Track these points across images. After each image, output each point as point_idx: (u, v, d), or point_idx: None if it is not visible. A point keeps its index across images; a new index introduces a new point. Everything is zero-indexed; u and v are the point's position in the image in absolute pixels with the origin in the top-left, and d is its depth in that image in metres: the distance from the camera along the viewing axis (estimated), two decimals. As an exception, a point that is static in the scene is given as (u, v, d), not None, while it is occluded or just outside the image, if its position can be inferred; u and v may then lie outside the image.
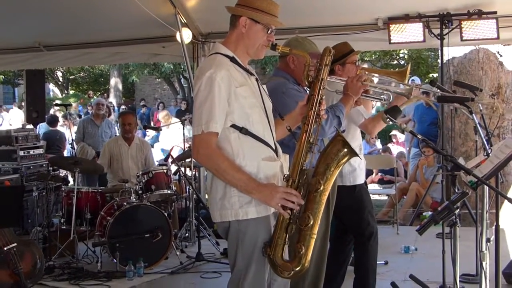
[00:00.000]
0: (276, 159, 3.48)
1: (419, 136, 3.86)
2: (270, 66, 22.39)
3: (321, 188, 3.31)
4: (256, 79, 3.59)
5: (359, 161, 5.16)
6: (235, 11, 3.51)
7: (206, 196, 9.53)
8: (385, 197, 11.26)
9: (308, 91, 3.59)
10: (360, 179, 5.32)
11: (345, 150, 3.33)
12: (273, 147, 3.49)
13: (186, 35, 8.58)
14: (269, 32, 3.49)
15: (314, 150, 3.39)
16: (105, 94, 28.60)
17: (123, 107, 24.68)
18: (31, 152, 9.20)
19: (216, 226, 8.36)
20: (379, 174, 12.17)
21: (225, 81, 3.30)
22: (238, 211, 3.35)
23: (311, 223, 3.30)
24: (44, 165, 9.29)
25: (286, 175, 3.39)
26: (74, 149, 9.42)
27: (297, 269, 3.33)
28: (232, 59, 3.45)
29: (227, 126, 3.34)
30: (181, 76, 27.74)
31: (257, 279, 3.41)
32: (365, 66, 24.64)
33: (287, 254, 3.43)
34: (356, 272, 5.41)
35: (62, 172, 9.07)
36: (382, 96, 4.73)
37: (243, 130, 3.35)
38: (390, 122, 3.99)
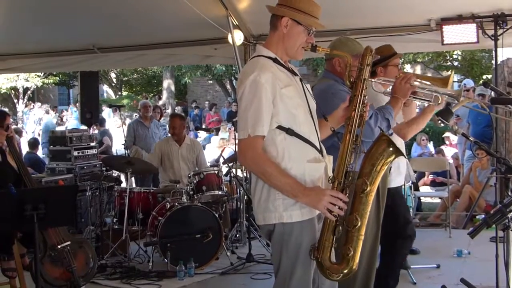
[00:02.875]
0: (321, 160, 3.47)
1: (471, 139, 3.81)
2: (322, 68, 22.30)
3: (368, 189, 3.28)
4: (300, 79, 3.58)
5: (396, 164, 5.11)
6: (277, 11, 3.49)
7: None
8: (437, 200, 11.11)
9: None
10: (396, 182, 5.28)
11: (390, 149, 3.30)
12: (318, 148, 3.47)
13: (237, 37, 8.60)
14: (309, 34, 3.47)
15: (359, 151, 3.37)
16: (158, 96, 28.86)
17: (177, 108, 24.87)
18: (85, 152, 9.35)
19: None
20: (431, 176, 12.02)
21: (269, 83, 3.29)
22: (283, 214, 3.33)
23: (359, 224, 3.27)
24: (97, 165, 9.44)
25: (331, 177, 3.36)
26: (126, 149, 9.53)
27: (346, 271, 3.30)
28: (275, 60, 3.44)
29: (273, 128, 3.33)
30: (233, 78, 27.82)
31: (302, 282, 3.39)
32: (418, 67, 24.41)
33: (335, 256, 3.40)
34: (379, 271, 5.37)
35: (115, 173, 9.20)
36: (430, 98, 4.67)
37: (290, 131, 3.34)
38: (442, 124, 3.94)
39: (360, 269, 4.40)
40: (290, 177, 3.29)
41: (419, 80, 4.60)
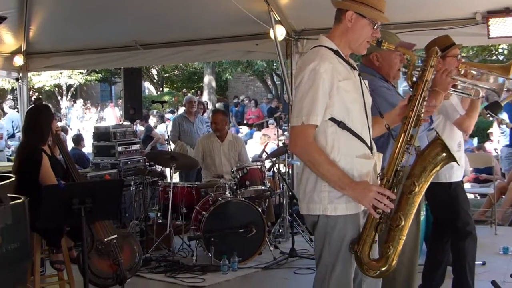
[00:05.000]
0: (371, 157, 3.45)
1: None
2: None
3: (416, 190, 3.28)
4: (359, 74, 3.55)
5: (458, 157, 5.06)
6: (341, 5, 3.46)
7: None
8: (480, 196, 10.96)
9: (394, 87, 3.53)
10: (457, 176, 5.21)
11: (444, 154, 3.29)
12: (369, 145, 3.45)
13: (279, 32, 8.58)
14: (375, 27, 3.44)
15: (411, 151, 3.34)
16: (199, 92, 28.97)
17: (218, 104, 24.94)
18: (129, 147, 9.45)
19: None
20: (474, 173, 11.84)
21: (328, 74, 3.28)
22: (327, 206, 3.33)
23: (402, 224, 3.27)
24: (141, 161, 9.53)
25: (380, 174, 3.35)
26: (169, 144, 9.59)
27: (384, 269, 3.30)
28: (336, 53, 3.42)
29: (326, 119, 3.32)
30: (274, 74, 27.80)
31: (343, 276, 3.38)
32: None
33: (375, 253, 3.39)
34: (454, 272, 5.32)
35: (159, 168, 9.28)
36: (471, 91, 4.61)
37: (341, 124, 3.33)
38: (491, 118, 3.89)
39: (402, 268, 4.37)
40: (338, 168, 3.28)
41: (474, 68, 4.54)
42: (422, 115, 3.40)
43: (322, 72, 3.27)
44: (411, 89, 3.51)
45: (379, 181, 3.34)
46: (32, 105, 6.60)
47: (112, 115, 21.78)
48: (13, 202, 3.80)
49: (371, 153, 3.47)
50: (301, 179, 3.46)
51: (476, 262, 5.46)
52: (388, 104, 4.06)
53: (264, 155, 8.56)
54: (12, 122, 13.66)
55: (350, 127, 3.35)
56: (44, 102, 7.46)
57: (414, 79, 3.49)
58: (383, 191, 3.22)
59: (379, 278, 3.48)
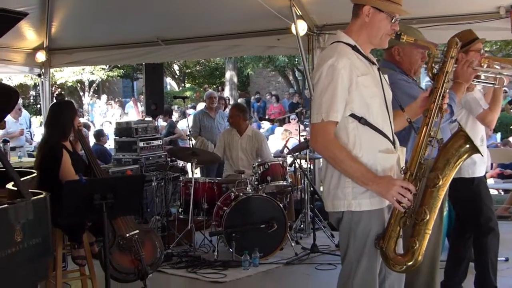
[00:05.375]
0: (394, 151, 3.42)
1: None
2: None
3: (440, 184, 3.24)
4: (378, 69, 3.52)
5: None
6: (358, 0, 3.44)
7: (321, 188, 9.56)
8: (504, 192, 10.86)
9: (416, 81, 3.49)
10: (480, 171, 5.17)
11: (467, 146, 3.26)
12: (391, 139, 3.42)
13: (301, 27, 8.54)
14: (393, 21, 3.40)
15: (434, 144, 3.31)
16: (220, 87, 28.98)
17: (239, 99, 24.96)
18: (150, 143, 9.47)
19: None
20: (498, 168, 11.73)
21: (347, 70, 3.26)
22: (351, 202, 3.31)
23: (427, 218, 3.23)
24: (162, 156, 9.55)
25: (403, 168, 3.32)
26: (190, 140, 9.61)
27: (410, 263, 3.27)
28: (354, 48, 3.39)
29: (346, 115, 3.30)
30: (295, 69, 27.75)
31: (369, 271, 3.36)
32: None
33: (401, 248, 3.37)
34: (476, 268, 5.28)
35: (180, 163, 9.29)
36: (494, 81, 4.55)
37: (362, 120, 3.30)
38: (516, 112, 3.84)
39: (424, 263, 4.34)
40: (361, 164, 3.26)
41: (497, 62, 4.48)
42: (444, 107, 3.36)
43: (341, 68, 3.26)
44: (432, 81, 3.47)
45: (402, 175, 3.31)
46: (55, 101, 6.63)
47: (134, 111, 21.85)
48: (35, 197, 3.81)
49: (394, 147, 3.44)
50: (325, 177, 3.44)
51: (498, 258, 5.42)
52: (407, 96, 4.03)
53: (286, 151, 8.52)
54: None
55: (371, 122, 3.32)
56: (66, 98, 7.48)
57: (435, 71, 3.44)
58: (406, 185, 3.20)
59: (405, 273, 3.46)
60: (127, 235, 5.51)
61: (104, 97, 26.23)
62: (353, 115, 3.30)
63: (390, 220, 3.31)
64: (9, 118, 11.39)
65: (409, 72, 4.48)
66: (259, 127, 17.19)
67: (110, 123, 18.46)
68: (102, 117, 22.44)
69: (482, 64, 4.73)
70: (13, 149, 10.85)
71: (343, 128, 3.31)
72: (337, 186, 3.34)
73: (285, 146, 8.74)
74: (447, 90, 3.40)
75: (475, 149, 3.26)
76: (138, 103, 21.62)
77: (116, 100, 24.89)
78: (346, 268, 3.41)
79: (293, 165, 8.38)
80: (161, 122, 13.92)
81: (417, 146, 3.30)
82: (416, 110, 3.58)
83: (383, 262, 3.35)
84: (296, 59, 24.46)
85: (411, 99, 3.85)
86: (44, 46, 10.77)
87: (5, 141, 9.97)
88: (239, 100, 24.47)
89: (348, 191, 3.31)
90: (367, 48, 3.49)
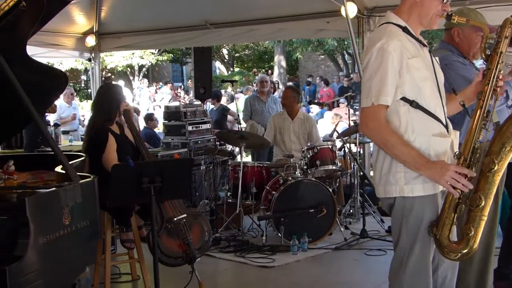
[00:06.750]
0: (447, 135, 3.32)
1: None
2: (437, 41, 21.64)
3: (495, 168, 3.13)
4: (429, 51, 3.41)
5: None
6: None
7: (371, 173, 9.43)
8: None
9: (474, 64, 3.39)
10: None
11: None
12: (444, 123, 3.32)
13: (351, 10, 8.41)
14: (444, 1, 3.29)
15: (489, 128, 3.19)
16: (269, 71, 28.93)
17: (289, 83, 24.89)
18: (199, 127, 9.47)
19: (380, 203, 8.23)
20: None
21: (397, 52, 3.16)
22: (404, 188, 3.22)
23: (482, 204, 3.13)
24: (211, 140, 9.53)
25: (457, 153, 3.22)
26: (240, 124, 9.57)
27: (465, 251, 3.18)
28: (405, 29, 3.29)
29: (397, 99, 3.21)
30: (345, 52, 27.52)
31: (422, 259, 3.28)
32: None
33: (455, 235, 3.27)
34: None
35: (229, 147, 9.27)
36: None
37: (414, 104, 3.21)
38: None
39: (478, 250, 4.21)
40: (413, 148, 3.17)
41: None
42: (498, 89, 3.23)
43: (391, 50, 3.16)
44: (485, 63, 3.35)
45: (456, 160, 3.20)
46: (104, 82, 6.65)
47: (168, 94, 22.09)
48: (83, 180, 3.81)
49: (447, 131, 3.34)
50: (376, 162, 3.36)
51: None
52: (462, 78, 3.95)
53: (335, 135, 8.42)
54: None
55: (423, 105, 3.23)
56: (114, 82, 7.51)
57: (488, 52, 3.32)
58: (461, 170, 3.10)
59: (459, 261, 3.36)
60: (175, 219, 5.50)
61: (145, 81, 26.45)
62: (404, 99, 3.21)
63: (444, 206, 3.22)
64: (62, 103, 11.55)
65: (468, 55, 4.39)
66: (308, 111, 17.07)
67: (160, 107, 18.61)
68: (151, 101, 22.61)
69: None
70: (66, 132, 10.99)
71: (394, 112, 3.23)
72: (389, 171, 3.26)
73: (334, 130, 8.62)
74: (502, 72, 3.27)
75: None
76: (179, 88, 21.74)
77: (167, 83, 25.09)
78: (399, 255, 3.33)
79: (343, 149, 8.27)
80: (210, 106, 13.91)
81: (471, 130, 3.19)
82: (470, 95, 3.48)
83: (437, 249, 3.27)
84: (346, 43, 24.25)
85: (466, 81, 3.77)
86: (94, 30, 10.86)
87: (56, 125, 10.10)
88: (288, 84, 24.41)
89: (400, 176, 3.23)
90: (417, 30, 3.39)
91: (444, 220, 3.19)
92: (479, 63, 4.69)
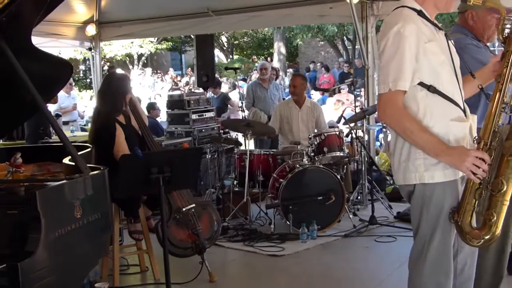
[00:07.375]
0: (466, 120, 3.23)
1: None
2: (450, 26, 21.51)
3: None
4: (445, 34, 3.33)
5: None
6: None
7: (376, 159, 9.36)
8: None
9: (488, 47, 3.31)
10: None
11: None
12: (462, 107, 3.24)
13: (354, -5, 8.34)
14: None
15: (508, 111, 3.11)
16: (269, 58, 28.83)
17: (288, 70, 24.79)
18: (203, 115, 9.38)
19: (388, 189, 8.15)
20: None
21: (414, 36, 3.08)
22: (423, 174, 3.15)
23: (504, 189, 3.04)
24: (215, 128, 9.45)
25: (476, 137, 3.14)
26: (243, 111, 9.48)
27: (487, 237, 3.10)
28: (420, 13, 3.20)
29: (414, 84, 3.13)
30: (345, 38, 27.39)
31: (443, 246, 3.21)
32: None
33: (475, 221, 3.19)
34: None
35: (233, 135, 9.19)
36: None
37: (431, 88, 3.13)
38: None
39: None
40: (432, 134, 3.10)
41: None
42: None
43: (408, 34, 3.08)
44: (503, 44, 3.26)
45: (475, 145, 3.13)
46: (110, 71, 6.57)
47: (169, 83, 22.09)
48: (93, 172, 3.72)
49: (465, 115, 3.26)
50: (395, 149, 3.28)
51: None
52: (476, 61, 3.87)
53: (342, 121, 8.35)
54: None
55: (440, 90, 3.15)
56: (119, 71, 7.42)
57: (506, 34, 3.23)
58: (481, 155, 3.02)
59: (482, 247, 3.28)
60: (184, 209, 5.43)
61: (149, 70, 26.31)
62: (421, 84, 3.14)
63: (464, 192, 3.14)
64: (61, 93, 11.46)
65: (482, 38, 4.34)
66: (309, 98, 17.02)
67: (160, 95, 18.52)
68: (151, 90, 22.50)
69: None
70: (66, 123, 10.92)
71: (412, 97, 3.15)
72: (408, 158, 3.20)
73: (341, 116, 8.54)
74: None
75: None
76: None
77: (168, 72, 25.03)
78: (419, 243, 3.27)
79: (349, 135, 8.19)
80: (211, 94, 13.83)
81: (491, 114, 3.11)
82: (488, 75, 3.41)
83: (459, 236, 3.20)
84: (346, 28, 24.12)
85: (479, 64, 3.69)
86: (94, 19, 10.77)
87: (57, 116, 10.02)
88: (288, 71, 24.32)
89: (419, 163, 3.16)
90: (433, 13, 3.31)
91: (465, 206, 3.12)
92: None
